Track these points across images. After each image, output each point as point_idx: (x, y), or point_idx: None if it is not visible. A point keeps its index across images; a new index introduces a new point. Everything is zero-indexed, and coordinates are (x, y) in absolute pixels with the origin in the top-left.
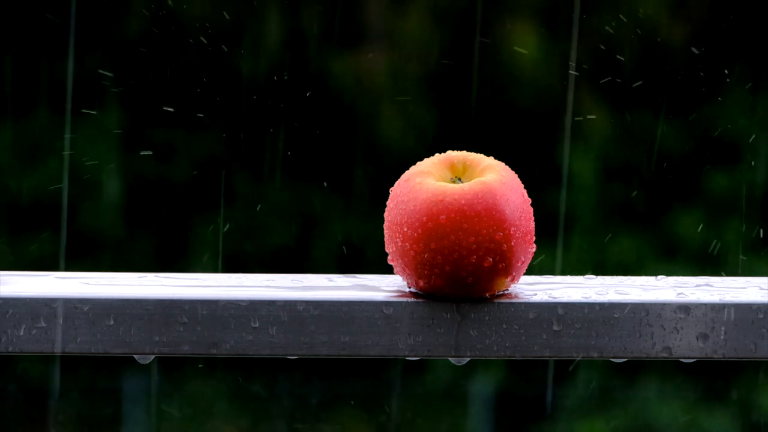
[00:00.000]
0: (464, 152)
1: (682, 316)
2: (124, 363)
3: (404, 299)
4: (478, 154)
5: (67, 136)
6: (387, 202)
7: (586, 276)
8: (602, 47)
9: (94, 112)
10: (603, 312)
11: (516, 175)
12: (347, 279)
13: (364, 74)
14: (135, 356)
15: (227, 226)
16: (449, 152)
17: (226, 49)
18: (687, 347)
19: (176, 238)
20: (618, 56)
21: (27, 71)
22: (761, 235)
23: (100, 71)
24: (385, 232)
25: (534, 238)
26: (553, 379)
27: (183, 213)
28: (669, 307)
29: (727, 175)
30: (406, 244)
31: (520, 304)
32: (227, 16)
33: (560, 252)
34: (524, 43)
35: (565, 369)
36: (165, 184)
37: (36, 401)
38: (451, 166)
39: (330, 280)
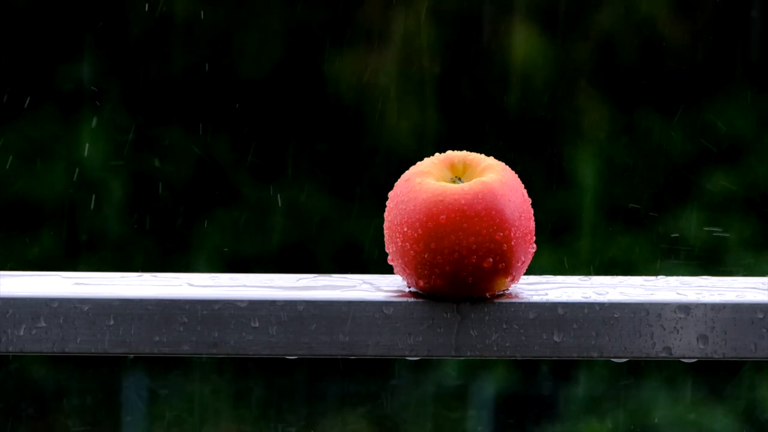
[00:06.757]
0: (464, 152)
1: (682, 316)
2: (124, 363)
3: (404, 299)
4: (478, 154)
5: (69, 136)
6: (387, 202)
7: (586, 276)
8: (603, 47)
9: (97, 113)
10: (603, 312)
11: (516, 175)
12: (347, 279)
13: (365, 75)
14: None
15: (228, 226)
16: (449, 152)
17: (229, 49)
18: (687, 347)
19: (177, 239)
20: (619, 56)
21: (28, 72)
22: (761, 235)
23: (102, 72)
24: (385, 232)
25: (534, 238)
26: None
27: (184, 213)
28: (669, 307)
29: (728, 175)
30: (406, 244)
31: (520, 304)
32: (230, 16)
33: (560, 252)
34: (526, 43)
35: (566, 369)
36: (166, 185)
37: (36, 401)
38: (451, 165)
39: (330, 280)
